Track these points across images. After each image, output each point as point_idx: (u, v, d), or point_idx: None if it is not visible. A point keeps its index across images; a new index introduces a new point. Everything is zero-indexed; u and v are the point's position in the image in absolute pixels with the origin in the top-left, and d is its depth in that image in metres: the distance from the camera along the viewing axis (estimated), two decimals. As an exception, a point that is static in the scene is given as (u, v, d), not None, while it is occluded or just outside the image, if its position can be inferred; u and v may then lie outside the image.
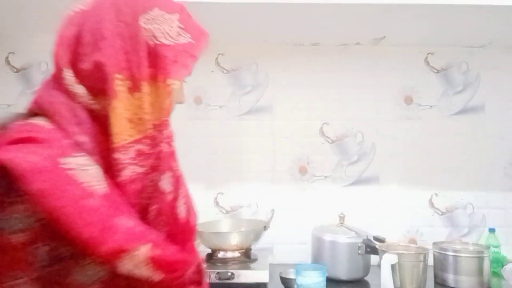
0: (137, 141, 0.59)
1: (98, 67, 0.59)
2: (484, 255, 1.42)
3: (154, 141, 0.60)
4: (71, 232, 0.47)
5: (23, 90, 1.85)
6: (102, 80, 0.59)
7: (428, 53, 1.86)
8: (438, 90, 1.85)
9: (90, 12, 0.65)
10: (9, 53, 1.85)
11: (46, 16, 1.58)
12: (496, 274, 1.55)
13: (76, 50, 0.61)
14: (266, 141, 1.85)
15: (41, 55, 1.85)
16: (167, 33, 0.65)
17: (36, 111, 0.59)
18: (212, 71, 1.85)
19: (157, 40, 0.63)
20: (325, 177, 1.84)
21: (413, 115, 1.85)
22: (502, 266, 1.52)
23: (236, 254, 1.54)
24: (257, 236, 1.57)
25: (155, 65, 0.62)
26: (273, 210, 1.69)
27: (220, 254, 1.52)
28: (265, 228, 1.58)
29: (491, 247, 1.54)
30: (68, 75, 0.60)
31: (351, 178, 1.83)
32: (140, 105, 0.60)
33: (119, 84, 0.59)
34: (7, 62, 1.85)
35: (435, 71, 1.86)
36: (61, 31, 0.64)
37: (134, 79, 0.60)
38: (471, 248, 1.52)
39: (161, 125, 0.62)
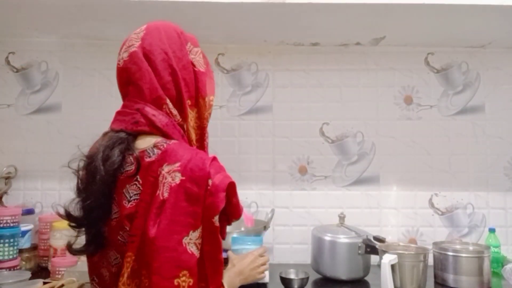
0: (196, 141, 0.89)
1: (179, 96, 0.85)
2: (484, 255, 1.41)
3: (202, 140, 0.91)
4: (238, 211, 0.81)
5: (23, 90, 1.85)
6: (181, 103, 0.85)
7: (428, 53, 1.86)
8: (438, 90, 1.85)
9: (155, 51, 0.84)
10: (9, 53, 1.85)
11: (46, 16, 1.58)
12: (496, 274, 1.56)
13: (165, 86, 0.83)
14: (266, 141, 1.85)
15: (41, 55, 1.86)
16: (199, 62, 0.90)
17: (146, 130, 0.82)
18: (212, 71, 1.85)
19: (195, 67, 0.88)
20: (325, 177, 1.84)
21: (413, 115, 1.85)
22: (502, 266, 1.52)
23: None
24: (257, 236, 1.57)
25: (197, 87, 0.87)
26: (273, 210, 1.69)
27: (220, 254, 1.52)
28: (265, 228, 1.58)
29: (491, 247, 1.54)
30: (169, 102, 0.83)
31: (351, 178, 1.83)
32: (195, 116, 0.88)
33: (187, 104, 0.86)
34: (7, 62, 1.85)
35: (435, 71, 1.86)
36: (144, 72, 0.83)
37: (192, 98, 0.87)
38: (471, 248, 1.52)
39: (204, 129, 0.90)
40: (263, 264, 1.17)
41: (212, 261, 0.76)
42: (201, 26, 1.61)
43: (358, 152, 1.84)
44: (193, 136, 0.88)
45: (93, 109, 1.82)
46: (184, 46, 0.88)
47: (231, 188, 0.78)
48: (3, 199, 1.77)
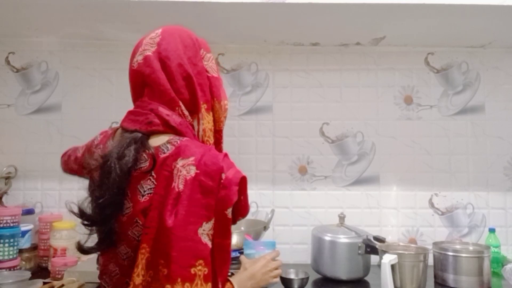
0: (213, 144, 0.90)
1: (193, 98, 0.87)
2: (484, 255, 1.42)
3: (219, 143, 0.94)
4: (246, 208, 0.85)
5: (23, 90, 1.85)
6: (195, 105, 0.88)
7: (428, 53, 1.86)
8: (438, 90, 1.85)
9: (171, 56, 0.87)
10: (9, 53, 1.85)
11: (46, 16, 1.58)
12: (496, 274, 1.56)
13: (179, 90, 0.86)
14: (266, 141, 1.85)
15: (41, 55, 1.86)
16: (212, 68, 0.92)
17: (161, 130, 0.84)
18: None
19: (209, 73, 0.91)
20: (325, 177, 1.84)
21: (413, 115, 1.85)
22: (502, 266, 1.52)
23: (236, 254, 1.54)
24: (257, 236, 1.57)
25: (211, 92, 0.90)
26: (273, 210, 1.69)
27: (220, 254, 1.52)
28: (265, 228, 1.58)
29: (491, 247, 1.54)
30: (182, 104, 0.86)
31: (351, 178, 1.83)
32: (212, 120, 0.90)
33: (202, 108, 0.88)
34: (7, 62, 1.85)
35: (435, 71, 1.86)
36: (158, 75, 0.85)
37: (208, 102, 0.89)
38: (471, 248, 1.52)
39: (221, 132, 0.93)
40: (276, 268, 1.16)
41: (221, 253, 0.79)
42: (201, 26, 1.61)
43: (358, 152, 1.84)
44: (211, 139, 0.90)
45: (93, 109, 1.82)
46: (198, 52, 0.91)
47: (242, 183, 0.82)
48: (3, 199, 1.77)
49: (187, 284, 0.72)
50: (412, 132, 1.84)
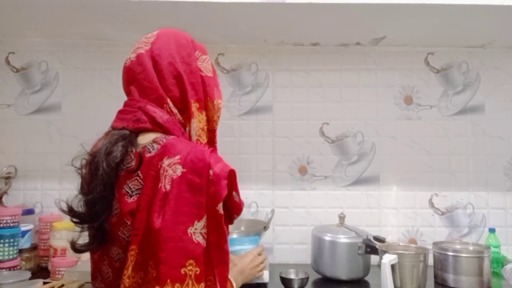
0: (207, 143, 0.91)
1: (183, 96, 0.87)
2: (484, 255, 1.42)
3: (213, 142, 0.95)
4: (239, 205, 0.85)
5: (23, 90, 1.85)
6: (185, 104, 0.87)
7: (428, 53, 1.86)
8: (438, 90, 1.85)
9: (163, 55, 0.88)
10: (9, 53, 1.85)
11: (46, 16, 1.58)
12: (496, 274, 1.56)
13: (168, 88, 0.86)
14: (266, 141, 1.85)
15: (41, 55, 1.86)
16: (207, 68, 0.93)
17: (148, 127, 0.84)
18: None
19: (202, 73, 0.92)
20: (325, 177, 1.84)
21: (413, 115, 1.85)
22: (502, 266, 1.52)
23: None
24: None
25: (204, 91, 0.91)
26: (273, 210, 1.69)
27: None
28: (265, 228, 1.58)
29: (491, 247, 1.54)
30: (170, 101, 0.86)
31: (351, 178, 1.83)
32: (205, 119, 0.91)
33: (193, 106, 0.88)
34: (7, 62, 1.85)
35: (435, 71, 1.86)
36: (148, 73, 0.87)
37: (200, 101, 0.90)
38: (471, 248, 1.52)
39: (214, 131, 0.95)
40: (262, 263, 1.24)
41: (218, 251, 0.77)
42: (201, 26, 1.61)
43: (358, 152, 1.84)
44: (203, 138, 0.91)
45: (93, 109, 1.82)
46: (193, 53, 0.92)
47: (231, 177, 0.80)
48: (3, 199, 1.77)
49: (177, 285, 0.70)
50: (412, 132, 1.84)
